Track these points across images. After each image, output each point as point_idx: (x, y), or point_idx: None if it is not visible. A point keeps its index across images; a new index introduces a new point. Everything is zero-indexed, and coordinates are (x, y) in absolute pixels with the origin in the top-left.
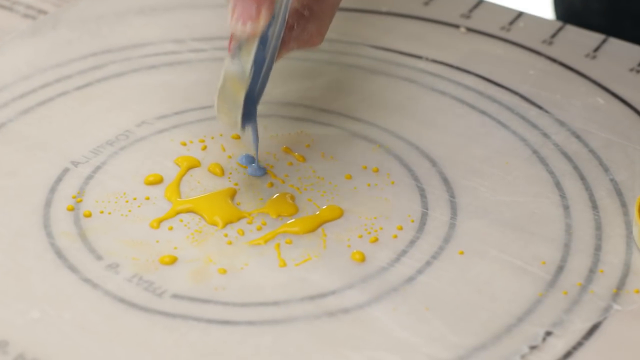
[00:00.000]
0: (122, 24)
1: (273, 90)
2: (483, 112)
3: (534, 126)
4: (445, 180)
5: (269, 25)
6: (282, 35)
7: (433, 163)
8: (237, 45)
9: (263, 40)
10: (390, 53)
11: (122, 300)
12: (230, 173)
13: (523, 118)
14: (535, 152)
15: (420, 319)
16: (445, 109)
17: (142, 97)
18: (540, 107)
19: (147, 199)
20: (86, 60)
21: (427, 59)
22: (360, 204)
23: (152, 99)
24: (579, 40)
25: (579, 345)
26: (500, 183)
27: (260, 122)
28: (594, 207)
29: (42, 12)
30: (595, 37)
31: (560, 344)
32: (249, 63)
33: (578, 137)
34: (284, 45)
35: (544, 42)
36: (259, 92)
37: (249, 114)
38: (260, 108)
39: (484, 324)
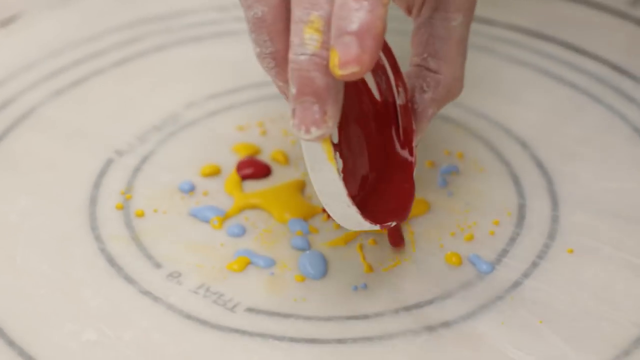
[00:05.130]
0: None
1: None
2: (572, 85)
3: (631, 100)
4: (540, 166)
5: None
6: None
7: (524, 145)
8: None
9: None
10: None
11: (188, 316)
12: (297, 161)
13: (617, 90)
14: (636, 130)
15: (533, 334)
16: (528, 82)
17: (188, 74)
18: (634, 78)
19: (206, 194)
20: (122, 32)
21: (501, 24)
22: (448, 196)
23: (199, 76)
24: None
25: None
26: (603, 167)
27: None
28: None
29: None
30: None
31: None
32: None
33: None
34: (423, 115)
35: (627, 3)
36: None
37: None
38: None
39: (607, 337)
